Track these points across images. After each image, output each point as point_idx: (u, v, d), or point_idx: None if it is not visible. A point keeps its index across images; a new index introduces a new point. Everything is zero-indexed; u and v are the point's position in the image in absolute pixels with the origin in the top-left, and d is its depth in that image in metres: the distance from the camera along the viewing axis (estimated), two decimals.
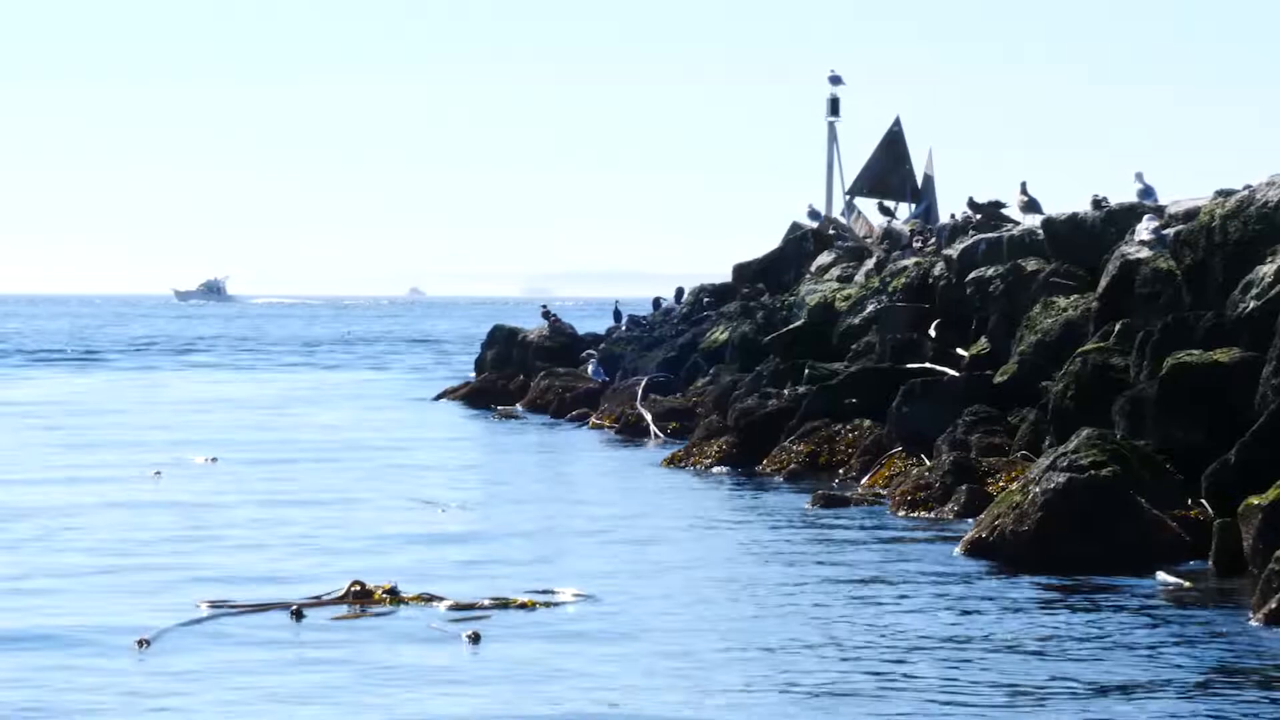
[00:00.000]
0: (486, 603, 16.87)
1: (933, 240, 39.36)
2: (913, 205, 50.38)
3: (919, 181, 50.96)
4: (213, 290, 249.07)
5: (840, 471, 28.37)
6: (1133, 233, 27.36)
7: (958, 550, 20.02)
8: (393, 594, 17.10)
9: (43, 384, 58.06)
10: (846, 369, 31.96)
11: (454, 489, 27.22)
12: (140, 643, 15.14)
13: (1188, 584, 18.01)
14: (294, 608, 16.62)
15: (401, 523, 23.45)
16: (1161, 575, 18.21)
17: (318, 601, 16.93)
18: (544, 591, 17.55)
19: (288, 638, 15.73)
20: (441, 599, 17.03)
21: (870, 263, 40.63)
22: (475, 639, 15.53)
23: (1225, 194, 25.00)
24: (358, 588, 17.12)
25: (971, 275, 32.04)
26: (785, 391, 31.86)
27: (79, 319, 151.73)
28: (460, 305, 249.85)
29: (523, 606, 16.88)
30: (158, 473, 29.21)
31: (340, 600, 17.00)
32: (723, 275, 49.06)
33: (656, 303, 51.38)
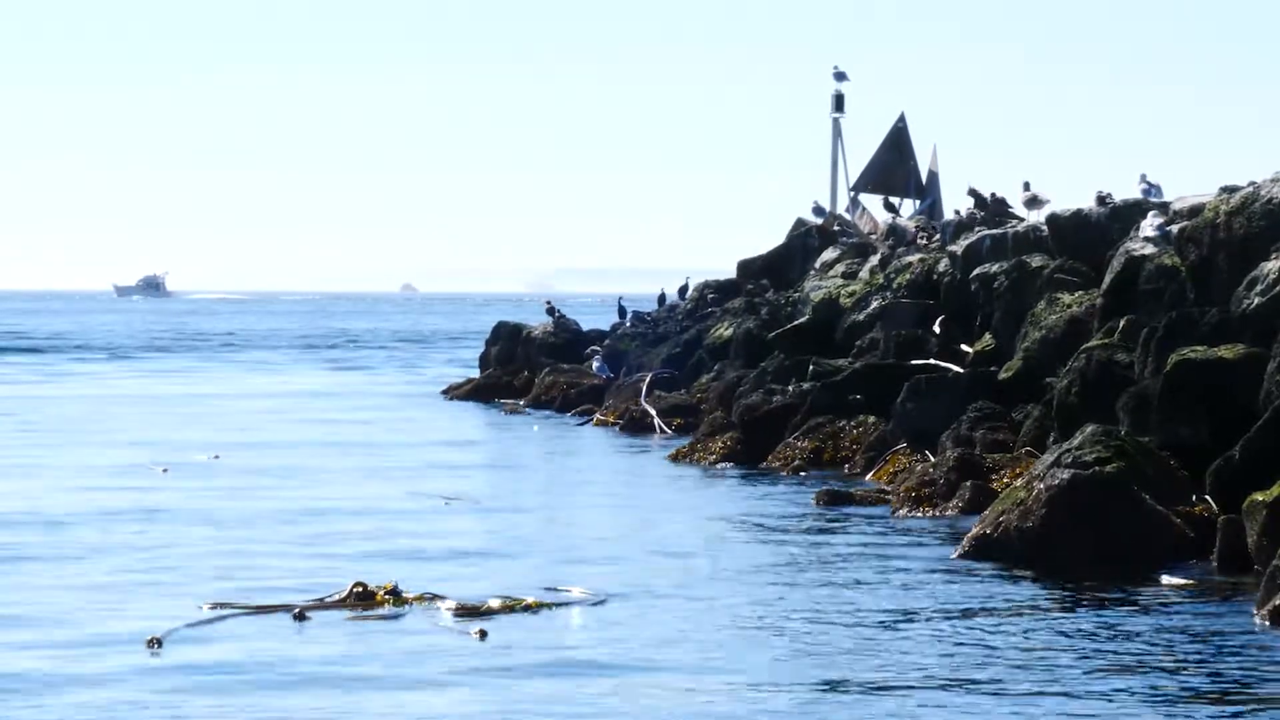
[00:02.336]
0: (495, 604, 16.80)
1: (937, 236, 39.36)
2: (917, 201, 50.43)
3: (923, 178, 51.03)
4: (151, 286, 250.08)
5: (844, 468, 28.38)
6: (1137, 229, 27.35)
7: (962, 547, 19.99)
8: (394, 594, 17.05)
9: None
10: (851, 365, 31.95)
11: (459, 485, 27.18)
12: (151, 642, 15.13)
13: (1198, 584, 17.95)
14: (297, 610, 16.58)
15: (407, 520, 23.43)
16: (1166, 579, 18.15)
17: (320, 604, 16.88)
18: (551, 590, 17.51)
19: (293, 638, 15.71)
20: (445, 599, 16.98)
21: (875, 259, 40.63)
22: (482, 636, 15.55)
23: (1230, 190, 24.98)
24: (359, 589, 17.06)
25: (976, 271, 32.02)
26: (790, 388, 31.85)
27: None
28: (455, 302, 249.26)
29: (529, 608, 16.83)
30: (165, 470, 29.20)
31: (342, 602, 16.93)
32: (727, 271, 49.08)
33: (662, 298, 51.37)
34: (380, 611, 16.75)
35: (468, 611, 16.53)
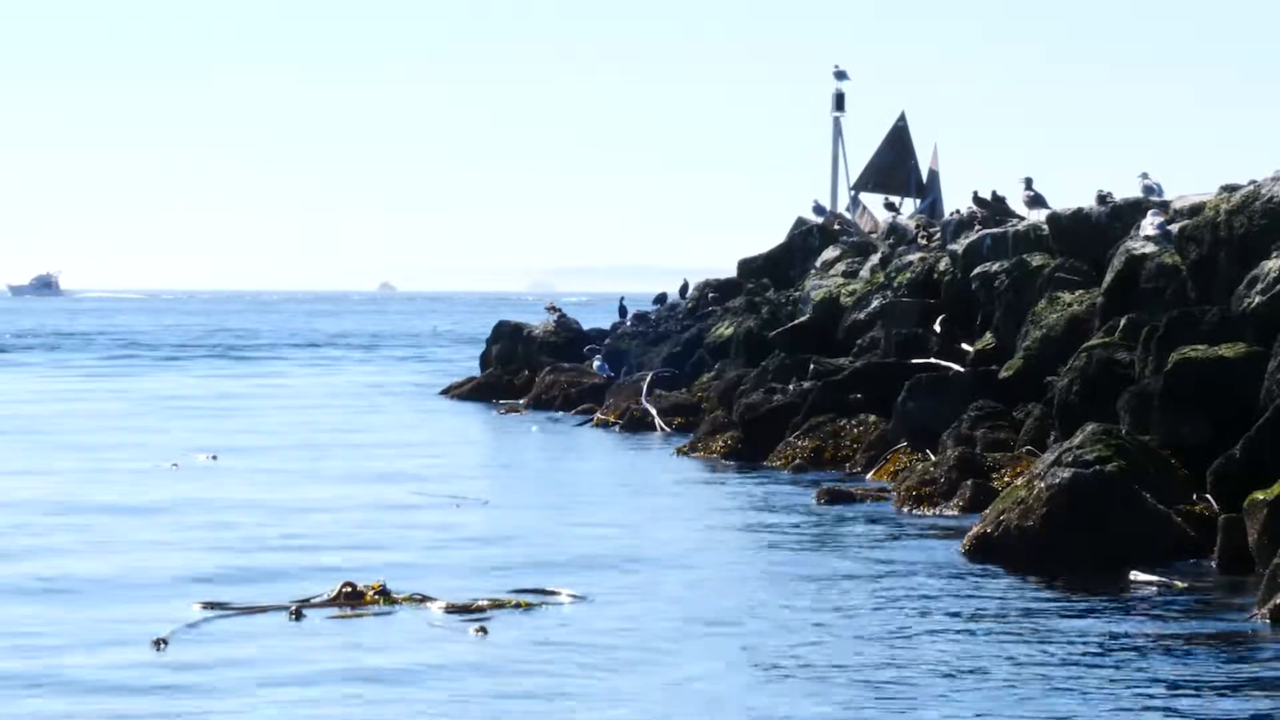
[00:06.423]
0: (483, 603, 16.80)
1: (938, 235, 39.35)
2: (918, 200, 50.43)
3: (924, 176, 51.03)
4: (44, 285, 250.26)
5: (845, 467, 28.37)
6: (1138, 228, 27.36)
7: (962, 546, 19.98)
8: (383, 593, 17.03)
9: None
10: (851, 364, 31.94)
11: (459, 485, 27.16)
12: (157, 643, 15.11)
13: (1180, 583, 17.90)
14: (292, 609, 16.57)
15: (408, 520, 23.40)
16: (1135, 575, 18.10)
17: (308, 603, 16.87)
18: (539, 591, 17.47)
19: (289, 637, 15.70)
20: (434, 599, 16.96)
21: (875, 258, 40.61)
22: (483, 632, 15.58)
23: (1230, 189, 24.97)
24: (349, 589, 17.04)
25: (977, 270, 32.01)
26: (790, 387, 31.84)
27: None
28: (442, 300, 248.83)
29: (518, 607, 16.80)
30: (175, 464, 29.25)
31: (332, 602, 16.92)
32: (728, 270, 49.07)
33: (662, 298, 51.36)
34: (373, 609, 16.76)
35: (459, 610, 16.52)
